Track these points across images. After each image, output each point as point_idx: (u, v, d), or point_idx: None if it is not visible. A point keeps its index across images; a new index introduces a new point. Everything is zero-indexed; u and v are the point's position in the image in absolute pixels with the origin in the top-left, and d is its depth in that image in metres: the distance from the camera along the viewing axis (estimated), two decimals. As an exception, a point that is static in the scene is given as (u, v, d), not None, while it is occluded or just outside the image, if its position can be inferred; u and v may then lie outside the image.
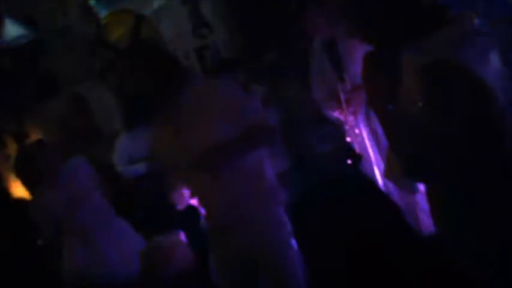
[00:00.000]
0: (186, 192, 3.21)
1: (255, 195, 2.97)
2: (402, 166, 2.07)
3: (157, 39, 4.97)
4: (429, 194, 2.15)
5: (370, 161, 3.47)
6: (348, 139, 3.60)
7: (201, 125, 2.88)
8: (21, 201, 4.63)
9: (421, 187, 2.36)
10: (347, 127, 3.58)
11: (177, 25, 5.20)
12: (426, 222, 2.97)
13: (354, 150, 3.53)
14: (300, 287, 2.97)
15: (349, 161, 3.53)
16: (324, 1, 3.45)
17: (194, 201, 3.30)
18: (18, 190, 4.86)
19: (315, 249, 1.76)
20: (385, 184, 3.27)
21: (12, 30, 5.45)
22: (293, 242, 2.99)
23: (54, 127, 5.10)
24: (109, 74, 5.28)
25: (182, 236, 3.46)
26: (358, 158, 3.49)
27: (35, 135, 5.15)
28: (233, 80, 3.61)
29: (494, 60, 2.00)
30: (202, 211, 3.22)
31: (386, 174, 2.54)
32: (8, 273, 4.41)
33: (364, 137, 3.52)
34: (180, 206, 3.24)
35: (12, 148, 5.33)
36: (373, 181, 3.08)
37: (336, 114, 3.61)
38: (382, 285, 1.66)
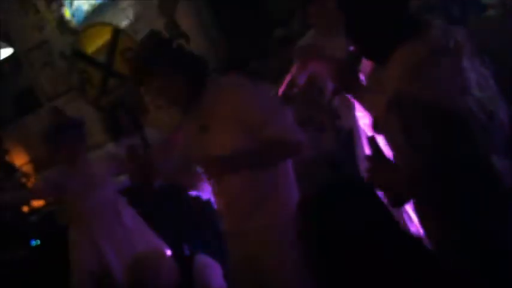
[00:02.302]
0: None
1: (265, 208, 2.87)
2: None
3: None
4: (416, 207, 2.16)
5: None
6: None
7: (219, 128, 2.77)
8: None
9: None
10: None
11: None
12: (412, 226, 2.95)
13: (335, 157, 3.52)
14: None
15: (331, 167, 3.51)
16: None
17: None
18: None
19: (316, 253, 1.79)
20: None
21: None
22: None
23: (34, 142, 5.05)
24: (88, 86, 5.25)
25: (167, 250, 3.44)
26: (340, 164, 3.47)
27: (15, 151, 5.13)
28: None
29: (462, 76, 1.97)
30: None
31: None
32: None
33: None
34: (193, 192, 3.18)
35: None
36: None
37: None
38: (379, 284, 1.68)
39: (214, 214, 3.48)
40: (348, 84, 2.28)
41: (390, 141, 2.09)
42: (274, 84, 3.58)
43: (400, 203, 2.08)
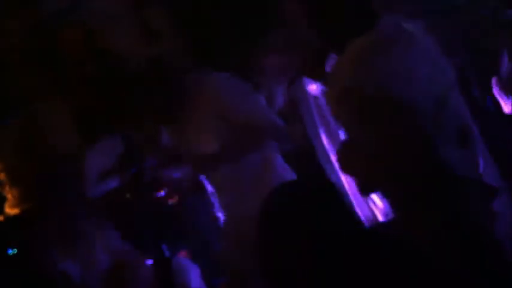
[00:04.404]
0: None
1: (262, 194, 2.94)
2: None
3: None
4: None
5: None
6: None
7: (196, 127, 2.90)
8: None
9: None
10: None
11: (128, 34, 5.13)
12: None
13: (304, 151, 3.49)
14: None
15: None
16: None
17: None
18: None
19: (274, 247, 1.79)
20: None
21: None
22: None
23: (10, 150, 4.94)
24: (64, 89, 5.18)
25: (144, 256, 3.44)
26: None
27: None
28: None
29: (408, 67, 2.00)
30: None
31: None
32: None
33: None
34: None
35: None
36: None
37: None
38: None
39: (195, 214, 3.50)
40: (313, 74, 2.37)
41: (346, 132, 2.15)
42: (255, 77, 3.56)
43: (368, 191, 2.14)
